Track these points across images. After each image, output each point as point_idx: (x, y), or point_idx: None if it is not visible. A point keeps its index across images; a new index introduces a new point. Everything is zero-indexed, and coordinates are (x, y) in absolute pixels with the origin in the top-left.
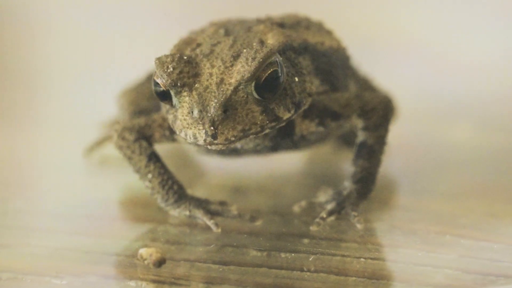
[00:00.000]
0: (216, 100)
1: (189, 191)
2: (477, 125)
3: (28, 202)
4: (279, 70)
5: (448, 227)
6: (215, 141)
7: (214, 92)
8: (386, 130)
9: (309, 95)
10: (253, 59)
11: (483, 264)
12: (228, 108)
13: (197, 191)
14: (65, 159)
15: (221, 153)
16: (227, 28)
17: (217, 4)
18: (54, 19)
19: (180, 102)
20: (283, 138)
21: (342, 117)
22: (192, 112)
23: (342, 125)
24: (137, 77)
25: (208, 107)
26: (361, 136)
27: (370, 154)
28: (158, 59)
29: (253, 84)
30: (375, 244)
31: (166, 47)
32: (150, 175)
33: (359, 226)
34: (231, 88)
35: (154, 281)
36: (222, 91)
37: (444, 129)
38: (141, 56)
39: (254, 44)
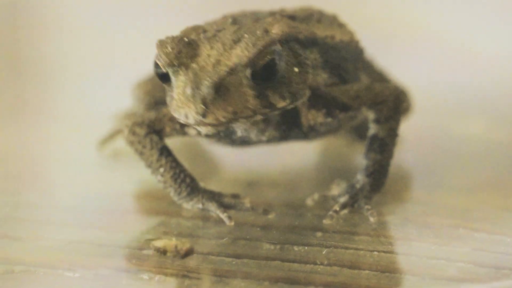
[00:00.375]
0: (209, 79)
1: (202, 184)
2: (491, 118)
3: (40, 195)
4: (277, 59)
5: (462, 220)
6: (205, 120)
7: (209, 72)
8: (397, 122)
9: (309, 87)
10: (253, 45)
11: (496, 258)
12: (221, 88)
13: (210, 185)
14: (78, 152)
15: (230, 142)
16: (235, 18)
17: None
18: (66, 14)
19: (176, 81)
20: (290, 129)
21: (351, 108)
22: (185, 90)
23: (353, 117)
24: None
25: (201, 86)
26: (372, 129)
27: (382, 147)
28: (160, 40)
29: (249, 69)
30: (388, 238)
31: None
32: (162, 169)
33: (372, 219)
34: (227, 69)
35: (166, 274)
36: (217, 71)
37: (458, 123)
38: (152, 50)
39: (258, 32)
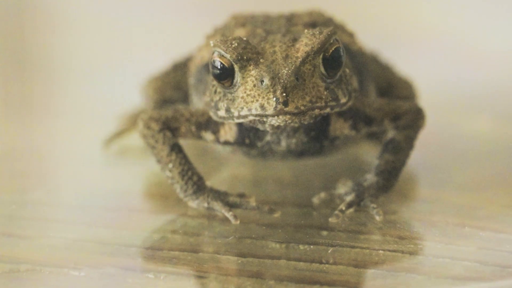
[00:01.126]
0: (287, 68)
1: (208, 183)
2: (497, 116)
3: (46, 193)
4: (341, 49)
5: (467, 219)
6: (286, 109)
7: (283, 64)
8: (415, 133)
9: (355, 90)
10: (320, 33)
11: (502, 256)
12: (299, 77)
13: (216, 183)
14: (84, 151)
15: (250, 151)
16: (263, 27)
17: None
18: (73, 11)
19: (244, 78)
20: (317, 136)
21: (375, 121)
22: (262, 81)
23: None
24: (163, 66)
25: (280, 74)
26: (390, 134)
27: (396, 149)
28: (218, 40)
29: (321, 56)
30: (394, 236)
31: (184, 39)
32: (171, 165)
33: (378, 218)
34: (300, 59)
35: (172, 273)
36: (291, 61)
37: (464, 121)
38: (159, 48)
39: (315, 30)
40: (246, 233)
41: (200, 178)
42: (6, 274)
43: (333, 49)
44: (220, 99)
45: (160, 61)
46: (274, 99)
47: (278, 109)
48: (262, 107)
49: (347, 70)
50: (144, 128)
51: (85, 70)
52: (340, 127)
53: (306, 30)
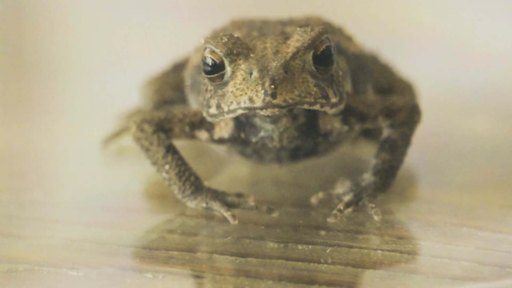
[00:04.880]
0: (277, 61)
1: (206, 183)
2: (496, 116)
3: (44, 193)
4: (332, 48)
5: (466, 219)
6: (274, 101)
7: (273, 58)
8: (411, 129)
9: (347, 93)
10: (311, 30)
11: (500, 256)
12: (288, 71)
13: (214, 183)
14: (82, 150)
15: (245, 149)
16: (259, 30)
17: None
18: (71, 11)
19: (233, 72)
20: (308, 131)
21: (368, 117)
22: (251, 74)
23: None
24: (163, 66)
25: (269, 67)
26: (385, 133)
27: (393, 148)
28: (208, 36)
29: (311, 53)
30: (392, 236)
31: (185, 39)
32: (167, 166)
33: (376, 218)
34: (290, 54)
35: (170, 273)
36: (281, 56)
37: (462, 120)
38: (157, 48)
39: (307, 27)
40: (244, 233)
41: (198, 178)
42: (5, 274)
43: (324, 47)
44: (211, 96)
45: (160, 61)
46: (263, 91)
47: (266, 101)
48: (250, 99)
49: (340, 72)
50: (138, 131)
51: (84, 69)
52: (331, 121)
53: (298, 28)
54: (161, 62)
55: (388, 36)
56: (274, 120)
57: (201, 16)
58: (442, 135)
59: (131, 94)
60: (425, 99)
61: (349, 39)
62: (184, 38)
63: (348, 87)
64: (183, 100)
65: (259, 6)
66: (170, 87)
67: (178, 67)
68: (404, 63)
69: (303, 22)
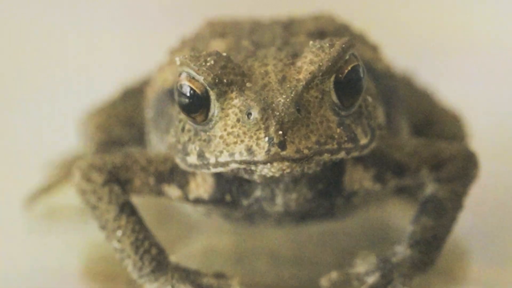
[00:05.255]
0: (285, 95)
1: (173, 258)
2: None
3: None
4: (361, 69)
5: None
6: (283, 152)
7: (279, 89)
8: (464, 187)
9: (380, 127)
10: (331, 46)
11: None
12: (301, 107)
13: (184, 258)
14: None
15: (232, 212)
16: (250, 38)
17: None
18: None
19: (223, 109)
20: (327, 191)
21: (408, 170)
22: (250, 114)
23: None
24: (109, 94)
25: (274, 104)
26: (429, 188)
27: (439, 211)
28: (186, 56)
29: (332, 79)
30: None
31: (136, 54)
32: (119, 232)
33: None
34: (303, 82)
35: None
36: (291, 86)
37: None
38: (105, 68)
39: (324, 41)
40: None
41: (161, 251)
42: None
43: (349, 68)
44: (190, 139)
45: (105, 86)
46: (267, 139)
47: (272, 153)
48: (249, 150)
49: (369, 99)
50: (83, 181)
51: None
52: (360, 178)
53: (311, 42)
54: (107, 88)
55: (425, 49)
56: (282, 183)
57: (164, 22)
58: (504, 190)
59: (66, 134)
60: (480, 139)
61: (374, 50)
62: (139, 50)
63: (381, 118)
64: (137, 139)
65: (250, 8)
66: (119, 121)
67: (130, 95)
68: (449, 84)
69: (311, 24)
